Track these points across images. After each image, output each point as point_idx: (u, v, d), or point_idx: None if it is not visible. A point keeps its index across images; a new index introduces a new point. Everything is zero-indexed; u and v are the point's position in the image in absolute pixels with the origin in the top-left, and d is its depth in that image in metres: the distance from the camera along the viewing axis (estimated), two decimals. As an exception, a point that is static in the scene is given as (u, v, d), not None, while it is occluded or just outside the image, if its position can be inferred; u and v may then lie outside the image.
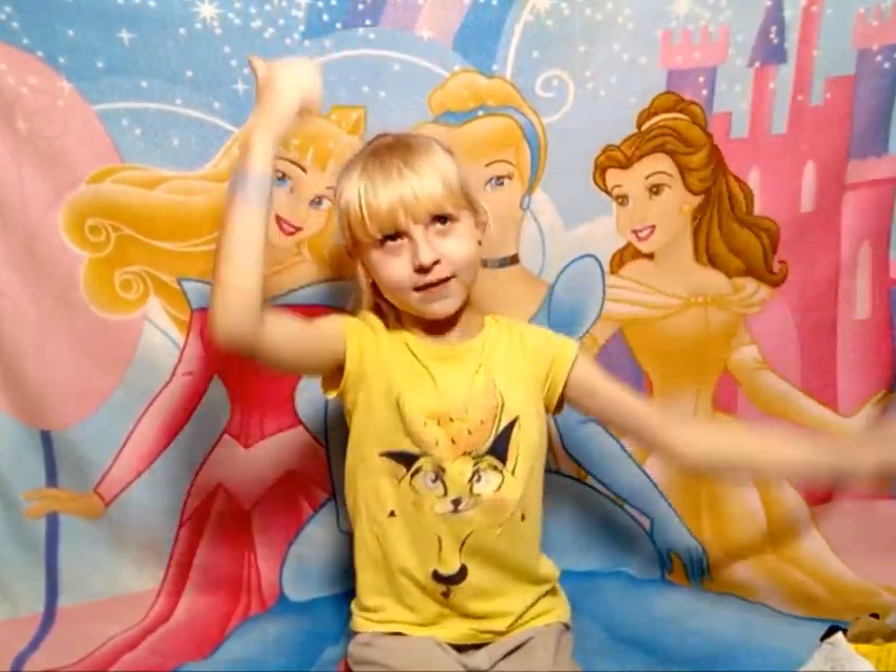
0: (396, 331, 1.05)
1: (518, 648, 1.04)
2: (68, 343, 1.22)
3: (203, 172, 1.19)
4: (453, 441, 1.00)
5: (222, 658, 1.20)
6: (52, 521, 1.28)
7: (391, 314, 1.05)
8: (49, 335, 1.22)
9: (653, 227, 1.29)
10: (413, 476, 1.01)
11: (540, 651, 1.03)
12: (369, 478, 1.04)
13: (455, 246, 0.98)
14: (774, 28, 1.22)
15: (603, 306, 1.31)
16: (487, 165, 1.23)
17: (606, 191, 1.27)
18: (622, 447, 1.34)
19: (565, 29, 1.19)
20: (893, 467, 1.00)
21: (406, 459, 1.01)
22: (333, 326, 1.03)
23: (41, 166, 1.17)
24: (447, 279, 0.98)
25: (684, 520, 1.37)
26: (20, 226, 1.18)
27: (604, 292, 1.30)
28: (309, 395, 1.27)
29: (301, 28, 1.16)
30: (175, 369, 1.25)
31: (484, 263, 1.20)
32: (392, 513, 1.03)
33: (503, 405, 1.02)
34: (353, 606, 1.10)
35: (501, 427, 1.02)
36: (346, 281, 1.23)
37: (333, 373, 1.03)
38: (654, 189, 1.27)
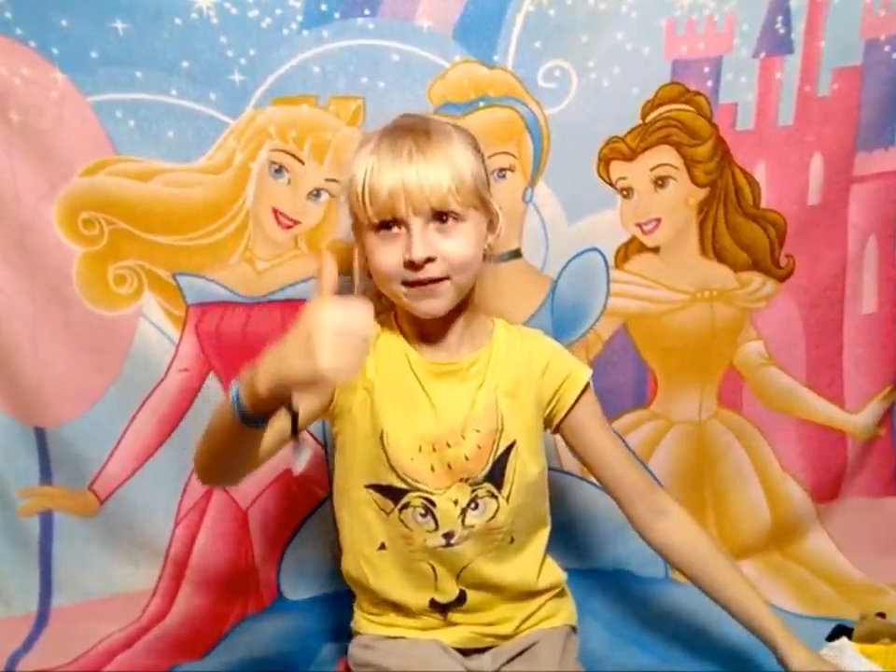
0: (395, 336, 1.01)
1: (523, 651, 1.03)
2: (62, 339, 1.22)
3: (199, 164, 1.18)
4: (449, 467, 0.98)
5: (218, 658, 1.20)
6: (46, 519, 1.27)
7: (387, 304, 1.02)
8: (42, 331, 1.21)
9: (658, 220, 1.27)
10: (401, 511, 0.99)
11: (546, 654, 1.02)
12: (354, 509, 1.02)
13: (453, 247, 0.93)
14: (780, 18, 1.21)
15: (607, 301, 1.30)
16: (489, 157, 1.20)
17: (610, 184, 1.25)
18: (625, 444, 1.31)
19: (567, 19, 1.18)
20: None
21: (393, 494, 0.99)
22: None
23: (34, 159, 1.16)
24: (440, 280, 0.93)
25: (688, 517, 1.36)
26: (13, 219, 1.17)
27: (608, 287, 1.29)
28: (307, 392, 1.26)
29: (299, 18, 1.15)
30: (171, 365, 1.24)
31: (485, 258, 1.18)
32: (383, 546, 1.01)
33: (502, 430, 0.99)
34: (355, 605, 1.09)
35: (499, 453, 0.99)
36: (345, 276, 1.22)
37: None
38: (659, 182, 1.26)
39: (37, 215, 1.17)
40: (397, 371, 0.99)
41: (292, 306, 1.22)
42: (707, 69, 1.22)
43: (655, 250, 1.29)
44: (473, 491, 0.99)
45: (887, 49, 1.24)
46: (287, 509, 1.32)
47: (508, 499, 1.00)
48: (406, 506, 0.98)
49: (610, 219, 1.27)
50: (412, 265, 0.92)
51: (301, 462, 0.81)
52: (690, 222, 1.28)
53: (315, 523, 1.32)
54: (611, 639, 1.19)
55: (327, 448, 1.28)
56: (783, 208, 1.29)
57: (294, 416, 0.80)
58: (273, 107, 1.17)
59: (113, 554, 1.29)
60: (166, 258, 1.21)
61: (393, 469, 0.97)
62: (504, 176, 1.23)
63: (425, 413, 0.98)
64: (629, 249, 1.28)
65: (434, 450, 0.98)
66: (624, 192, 1.26)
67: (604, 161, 1.24)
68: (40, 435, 1.25)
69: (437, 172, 0.91)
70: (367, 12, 1.15)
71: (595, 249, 1.27)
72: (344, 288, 1.21)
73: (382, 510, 1.00)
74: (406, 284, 0.94)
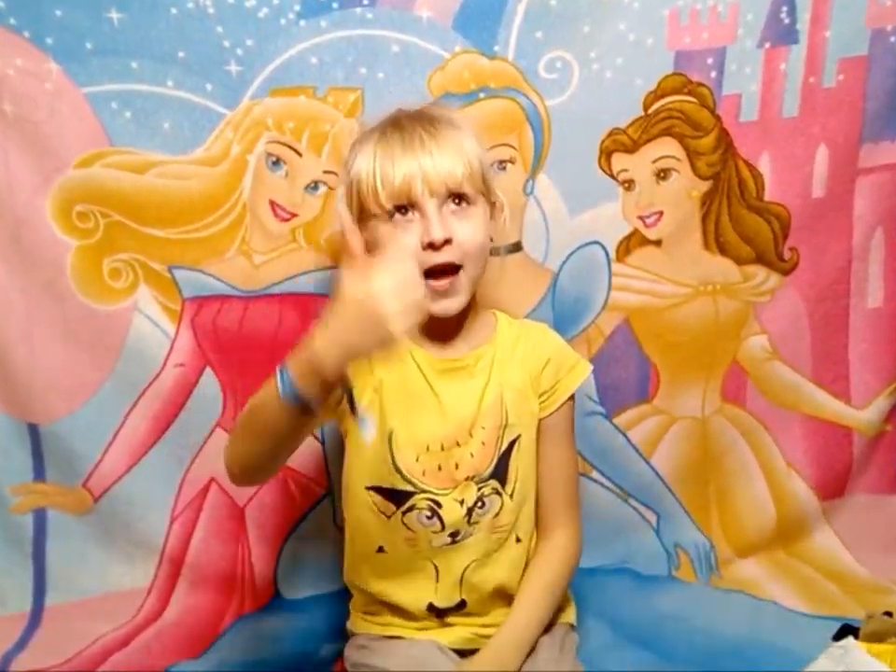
0: None
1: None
2: (56, 334, 1.20)
3: (195, 156, 1.17)
4: (456, 466, 0.97)
5: (215, 657, 1.19)
6: (40, 516, 1.26)
7: None
8: (36, 325, 1.20)
9: (661, 213, 1.26)
10: (405, 514, 0.98)
11: (544, 652, 1.01)
12: (354, 510, 1.02)
13: (468, 231, 0.93)
14: (785, 8, 1.20)
15: (609, 295, 1.28)
16: (489, 149, 1.19)
17: (612, 176, 1.24)
18: (627, 440, 1.33)
19: (569, 8, 1.17)
20: None
21: (396, 497, 0.98)
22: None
23: (28, 150, 1.15)
24: (454, 272, 0.93)
25: (692, 514, 1.36)
26: (6, 212, 1.16)
27: (610, 281, 1.28)
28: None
29: (297, 8, 1.14)
30: (166, 360, 1.23)
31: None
32: (381, 549, 1.00)
33: (506, 425, 0.99)
34: (351, 605, 1.08)
35: (503, 449, 0.99)
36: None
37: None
38: (662, 174, 1.25)
39: (31, 207, 1.16)
40: (404, 370, 0.98)
41: (290, 300, 1.21)
42: (710, 60, 1.21)
43: (658, 243, 1.27)
44: (479, 489, 0.98)
45: (893, 38, 1.23)
46: (285, 506, 1.31)
47: (512, 496, 1.00)
48: (411, 508, 0.98)
49: (612, 212, 1.25)
50: (431, 246, 0.91)
51: (369, 433, 0.88)
52: (692, 215, 1.27)
53: (313, 521, 1.31)
54: (613, 637, 1.18)
55: (323, 443, 1.27)
56: (787, 201, 1.27)
57: (350, 392, 0.83)
58: (270, 98, 1.16)
59: (108, 552, 1.28)
60: (162, 251, 1.19)
61: (398, 471, 0.97)
62: (504, 169, 1.21)
63: (433, 411, 0.98)
64: (631, 242, 1.27)
65: (442, 449, 0.97)
66: (626, 185, 1.25)
67: (606, 154, 1.23)
68: (34, 432, 1.23)
69: (450, 157, 0.92)
70: (366, 2, 1.15)
71: (596, 242, 1.26)
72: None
73: (382, 513, 0.99)
74: (424, 275, 0.90)
